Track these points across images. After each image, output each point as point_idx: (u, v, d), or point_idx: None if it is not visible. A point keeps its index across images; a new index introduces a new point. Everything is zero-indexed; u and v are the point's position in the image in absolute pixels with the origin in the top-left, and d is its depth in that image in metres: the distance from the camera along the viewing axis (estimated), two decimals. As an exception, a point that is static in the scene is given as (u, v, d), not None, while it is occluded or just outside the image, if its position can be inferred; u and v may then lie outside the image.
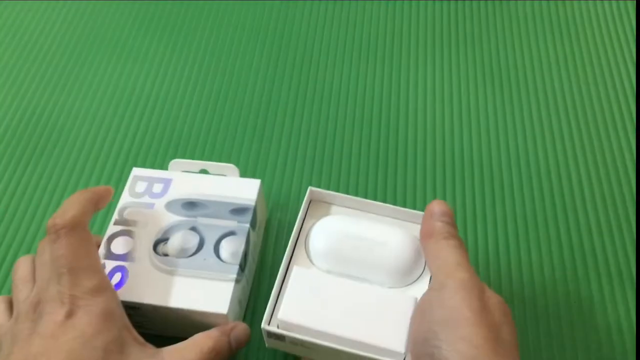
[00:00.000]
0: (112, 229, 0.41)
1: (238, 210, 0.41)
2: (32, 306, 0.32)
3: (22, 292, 0.34)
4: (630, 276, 0.45)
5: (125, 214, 0.41)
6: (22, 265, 0.36)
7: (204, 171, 0.45)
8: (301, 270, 0.37)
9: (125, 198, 0.42)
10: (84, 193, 0.36)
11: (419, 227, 0.39)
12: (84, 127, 0.54)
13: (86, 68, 0.59)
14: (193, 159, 0.52)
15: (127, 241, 0.40)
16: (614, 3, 0.66)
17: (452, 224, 0.36)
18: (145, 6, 0.65)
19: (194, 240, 0.40)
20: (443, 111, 0.55)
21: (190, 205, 0.42)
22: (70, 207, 0.34)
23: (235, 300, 0.38)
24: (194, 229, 0.40)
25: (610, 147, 0.53)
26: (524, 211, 0.49)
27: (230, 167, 0.44)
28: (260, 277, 0.44)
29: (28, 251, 0.46)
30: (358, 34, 0.62)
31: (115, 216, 0.41)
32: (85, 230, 0.35)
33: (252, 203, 0.42)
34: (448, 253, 0.34)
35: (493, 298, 0.32)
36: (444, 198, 0.49)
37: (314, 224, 0.40)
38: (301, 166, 0.51)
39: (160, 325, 0.39)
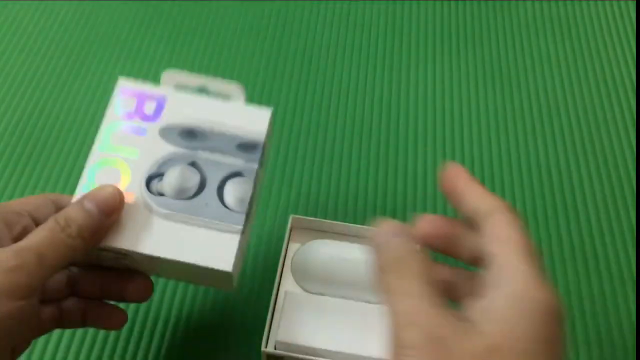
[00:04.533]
0: (95, 156, 0.34)
1: (246, 146, 0.35)
2: None
3: None
4: (630, 276, 0.45)
5: (111, 139, 0.35)
6: None
7: (203, 91, 0.38)
8: (293, 294, 0.38)
9: (110, 116, 0.35)
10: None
11: None
12: (84, 127, 0.54)
13: (86, 68, 0.59)
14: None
15: (113, 173, 0.33)
16: (614, 3, 0.66)
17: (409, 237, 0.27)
18: (145, 6, 0.64)
19: (194, 179, 0.34)
20: (443, 111, 0.55)
21: (190, 134, 0.35)
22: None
23: (240, 253, 0.33)
24: (194, 164, 0.34)
25: (611, 147, 0.53)
26: (524, 211, 0.49)
27: (235, 88, 0.37)
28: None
29: (28, 251, 0.46)
30: (358, 34, 0.62)
31: (99, 139, 0.35)
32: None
33: (262, 137, 0.35)
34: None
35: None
36: (443, 198, 0.49)
37: (298, 250, 0.41)
38: (301, 166, 0.51)
39: (152, 272, 0.35)
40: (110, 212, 0.31)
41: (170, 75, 0.37)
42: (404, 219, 0.48)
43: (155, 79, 0.57)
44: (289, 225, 0.42)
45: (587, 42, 0.62)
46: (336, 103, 0.56)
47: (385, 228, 0.27)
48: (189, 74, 0.38)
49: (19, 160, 0.52)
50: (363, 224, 0.46)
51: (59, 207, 0.33)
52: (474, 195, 0.28)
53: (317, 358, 0.35)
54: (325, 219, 0.48)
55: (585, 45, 0.61)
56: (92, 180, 0.33)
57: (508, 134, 0.54)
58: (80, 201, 0.30)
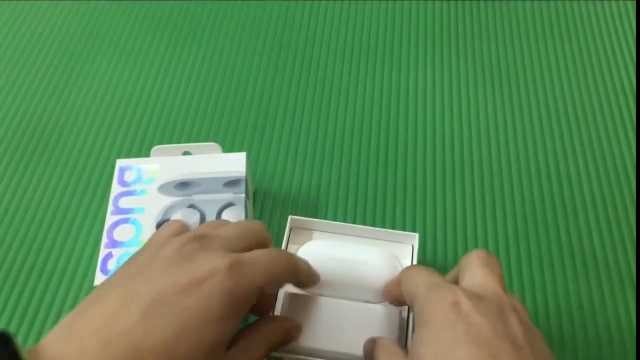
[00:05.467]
0: (110, 219, 0.41)
1: (231, 183, 0.43)
2: (196, 236, 0.30)
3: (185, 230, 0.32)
4: (630, 276, 0.45)
5: (120, 204, 0.42)
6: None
7: (187, 154, 0.46)
8: (292, 295, 0.38)
9: (116, 188, 0.43)
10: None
11: (396, 245, 0.42)
12: (84, 127, 0.54)
13: (86, 68, 0.59)
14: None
15: (129, 228, 0.41)
16: (613, 3, 0.66)
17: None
18: (146, 6, 0.65)
19: (195, 216, 0.41)
20: (443, 111, 0.55)
21: (183, 185, 0.43)
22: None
23: None
24: (192, 206, 0.42)
25: (610, 147, 0.53)
26: (523, 211, 0.49)
27: (213, 146, 0.45)
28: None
29: (28, 251, 0.46)
30: (358, 34, 0.62)
31: (110, 207, 0.42)
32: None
33: (243, 174, 0.43)
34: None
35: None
36: (443, 198, 0.49)
37: (296, 250, 0.41)
38: (301, 166, 0.51)
39: None
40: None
41: (159, 149, 0.45)
42: (403, 218, 0.48)
43: (155, 79, 0.58)
44: (287, 226, 0.42)
45: (587, 42, 0.62)
46: (336, 103, 0.56)
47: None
48: (173, 145, 0.45)
49: (20, 161, 0.52)
50: (363, 224, 0.46)
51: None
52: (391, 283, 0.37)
53: (316, 359, 0.35)
54: (324, 219, 0.48)
55: (585, 46, 0.61)
56: (111, 238, 0.40)
57: (507, 133, 0.54)
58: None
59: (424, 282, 0.31)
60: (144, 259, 0.29)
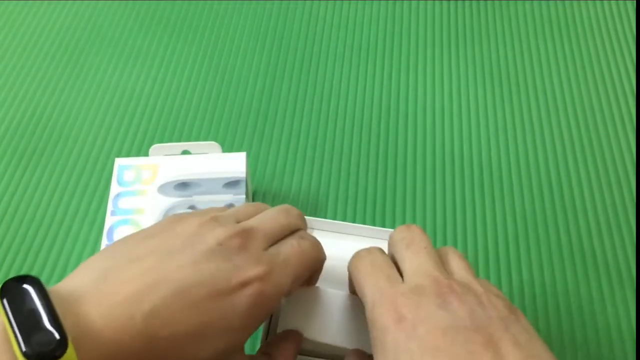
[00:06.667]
0: (110, 220, 0.41)
1: (231, 184, 0.43)
2: (241, 231, 0.29)
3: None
4: (629, 276, 0.45)
5: (119, 204, 0.42)
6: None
7: (186, 152, 0.46)
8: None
9: (115, 189, 0.43)
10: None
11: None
12: (84, 127, 0.54)
13: (86, 68, 0.59)
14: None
15: (129, 230, 0.40)
16: (613, 3, 0.66)
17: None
18: (146, 6, 0.65)
19: None
20: (443, 111, 0.55)
21: (183, 185, 0.42)
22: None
23: None
24: (192, 207, 0.41)
25: (610, 147, 0.53)
26: (523, 211, 0.49)
27: (212, 145, 0.45)
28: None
29: (28, 251, 0.46)
30: (358, 34, 0.62)
31: (110, 207, 0.42)
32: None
33: (243, 175, 0.43)
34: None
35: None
36: (443, 198, 0.49)
37: None
38: (301, 166, 0.51)
39: None
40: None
41: (157, 147, 0.44)
42: (402, 217, 0.48)
43: (155, 79, 0.58)
44: None
45: (587, 42, 0.62)
46: (335, 103, 0.56)
47: None
48: (171, 143, 0.45)
49: (20, 161, 0.52)
50: (363, 223, 0.46)
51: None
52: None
53: (317, 357, 0.35)
54: (325, 217, 0.48)
55: (585, 46, 0.61)
56: (111, 240, 0.40)
57: (507, 133, 0.54)
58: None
59: (369, 292, 0.29)
60: (185, 238, 0.28)
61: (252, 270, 0.28)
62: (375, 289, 0.29)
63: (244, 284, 0.27)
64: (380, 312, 0.27)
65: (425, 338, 0.25)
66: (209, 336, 0.26)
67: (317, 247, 0.33)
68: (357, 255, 0.32)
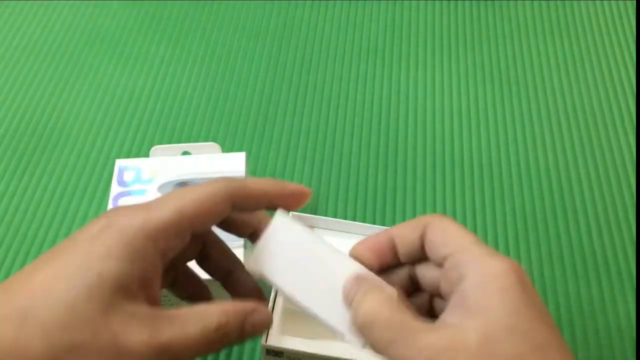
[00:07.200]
0: None
1: None
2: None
3: None
4: (629, 276, 0.45)
5: (119, 204, 0.42)
6: None
7: (186, 153, 0.46)
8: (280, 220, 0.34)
9: (115, 189, 0.43)
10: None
11: None
12: (85, 127, 0.54)
13: (86, 68, 0.59)
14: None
15: None
16: (613, 3, 0.66)
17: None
18: (146, 7, 0.65)
19: None
20: (443, 111, 0.55)
21: (183, 185, 0.43)
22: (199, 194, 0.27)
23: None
24: None
25: (610, 147, 0.53)
26: (523, 211, 0.49)
27: (212, 146, 0.45)
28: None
29: (28, 251, 0.46)
30: (358, 34, 0.62)
31: (110, 207, 0.42)
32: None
33: (243, 174, 0.43)
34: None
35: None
36: (443, 197, 0.49)
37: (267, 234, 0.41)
38: (301, 166, 0.51)
39: None
40: (252, 337, 0.28)
41: (158, 149, 0.45)
42: (403, 217, 0.48)
43: (155, 79, 0.58)
44: None
45: (587, 42, 0.62)
46: (336, 103, 0.56)
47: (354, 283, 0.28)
48: (172, 145, 0.45)
49: (20, 161, 0.52)
50: (363, 222, 0.46)
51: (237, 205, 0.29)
52: (400, 228, 0.29)
53: (318, 351, 0.35)
54: (325, 216, 0.48)
55: (585, 46, 0.61)
56: None
57: (507, 133, 0.54)
58: (244, 319, 0.27)
59: (470, 239, 0.26)
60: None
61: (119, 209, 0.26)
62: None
63: (102, 217, 0.26)
64: (503, 259, 0.25)
65: (542, 310, 0.24)
66: (72, 271, 0.24)
67: (223, 181, 0.28)
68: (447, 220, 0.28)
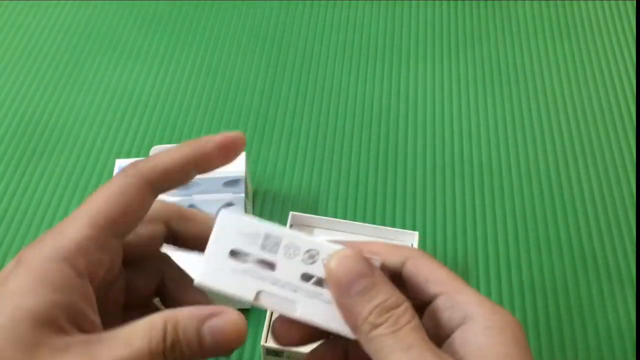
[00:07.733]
0: None
1: (230, 183, 0.43)
2: None
3: None
4: (629, 276, 0.45)
5: None
6: None
7: None
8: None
9: None
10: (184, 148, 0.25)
11: (395, 243, 0.41)
12: (85, 127, 0.54)
13: (86, 68, 0.59)
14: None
15: None
16: (613, 3, 0.66)
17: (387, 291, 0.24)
18: (146, 7, 0.65)
19: None
20: (443, 111, 0.55)
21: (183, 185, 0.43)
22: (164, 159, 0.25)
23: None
24: (192, 206, 0.42)
25: (610, 147, 0.53)
26: (523, 211, 0.49)
27: None
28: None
29: (28, 251, 0.46)
30: (358, 35, 0.62)
31: None
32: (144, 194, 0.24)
33: (242, 174, 0.43)
34: None
35: None
36: (443, 197, 0.49)
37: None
38: (301, 166, 0.51)
39: None
40: (225, 350, 0.24)
41: (158, 149, 0.45)
42: (403, 217, 0.48)
43: (155, 79, 0.58)
44: (288, 223, 0.42)
45: (587, 42, 0.62)
46: (336, 103, 0.56)
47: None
48: (172, 145, 0.44)
49: (20, 161, 0.52)
50: (363, 221, 0.46)
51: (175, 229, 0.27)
52: (388, 253, 0.27)
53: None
54: (324, 216, 0.48)
55: (585, 46, 0.61)
56: None
57: (507, 133, 0.54)
58: (200, 325, 0.23)
59: (461, 281, 0.25)
60: None
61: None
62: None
63: None
64: (502, 312, 0.25)
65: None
66: None
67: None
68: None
